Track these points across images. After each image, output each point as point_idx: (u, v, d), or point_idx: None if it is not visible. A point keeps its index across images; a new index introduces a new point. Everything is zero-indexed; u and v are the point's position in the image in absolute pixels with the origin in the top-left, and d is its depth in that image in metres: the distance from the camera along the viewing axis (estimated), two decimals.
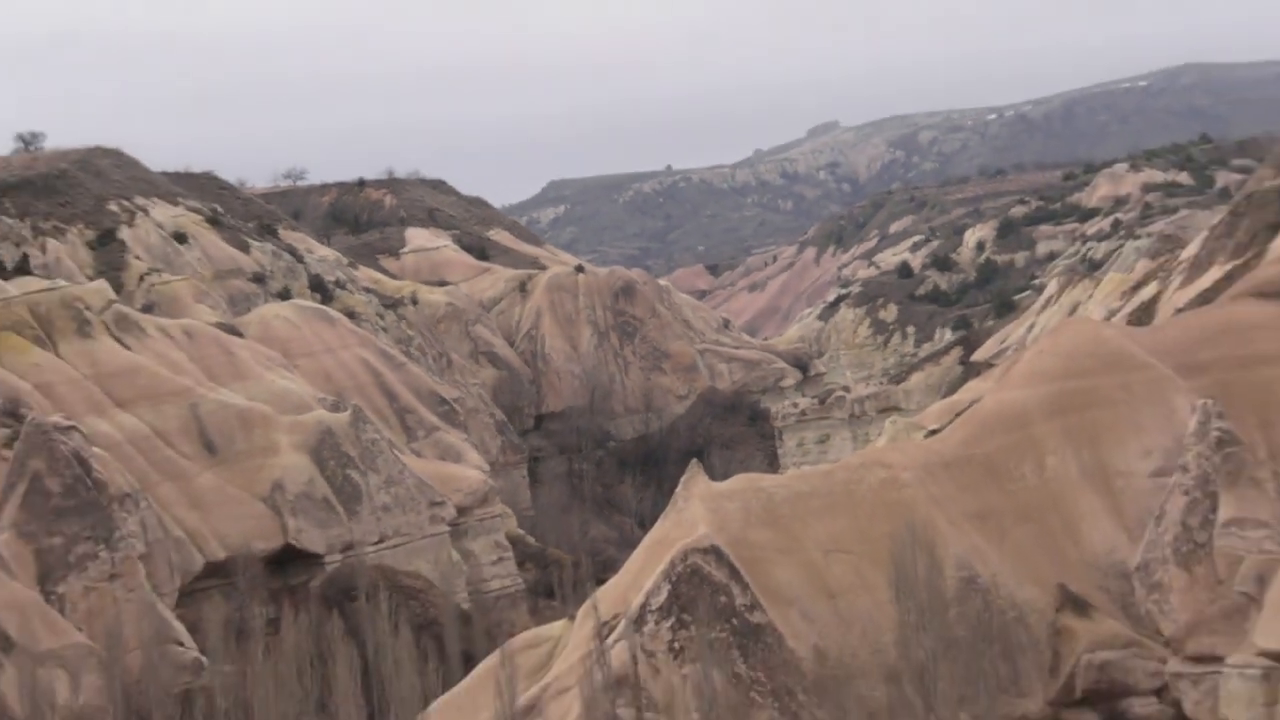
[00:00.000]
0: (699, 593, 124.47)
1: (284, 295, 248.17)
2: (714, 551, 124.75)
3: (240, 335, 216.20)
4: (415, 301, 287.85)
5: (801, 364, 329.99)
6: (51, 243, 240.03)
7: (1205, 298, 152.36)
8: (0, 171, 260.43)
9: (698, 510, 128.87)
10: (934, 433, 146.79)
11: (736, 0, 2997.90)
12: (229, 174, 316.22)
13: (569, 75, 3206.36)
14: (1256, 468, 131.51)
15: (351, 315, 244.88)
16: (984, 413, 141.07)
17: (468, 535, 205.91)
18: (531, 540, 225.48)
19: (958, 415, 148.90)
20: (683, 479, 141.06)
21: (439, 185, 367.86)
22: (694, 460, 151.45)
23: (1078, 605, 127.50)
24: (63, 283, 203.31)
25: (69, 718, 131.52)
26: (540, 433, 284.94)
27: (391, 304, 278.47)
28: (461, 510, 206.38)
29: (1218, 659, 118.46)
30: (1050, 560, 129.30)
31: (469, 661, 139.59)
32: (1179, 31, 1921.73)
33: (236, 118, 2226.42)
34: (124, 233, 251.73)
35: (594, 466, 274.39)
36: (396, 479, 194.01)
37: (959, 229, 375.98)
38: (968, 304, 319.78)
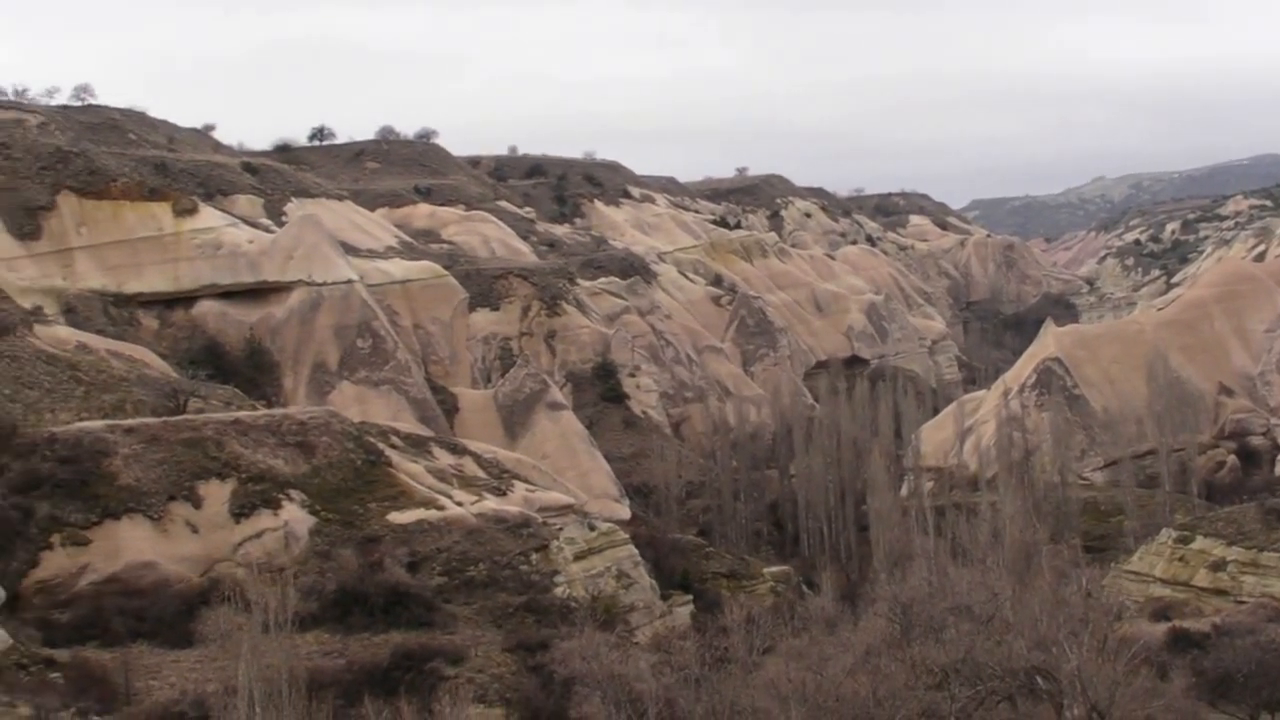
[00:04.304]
0: (1049, 378, 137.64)
1: (854, 242, 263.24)
2: (1056, 359, 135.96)
3: (834, 259, 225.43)
4: (913, 248, 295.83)
5: (1090, 282, 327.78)
6: (751, 217, 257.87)
7: None
8: (723, 185, 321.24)
9: (1049, 340, 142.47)
10: (1160, 310, 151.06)
11: None
12: (837, 188, 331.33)
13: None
14: None
15: (885, 252, 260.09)
16: (1184, 299, 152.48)
17: (936, 353, 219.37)
18: (964, 357, 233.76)
19: (1170, 303, 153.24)
20: (1041, 328, 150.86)
21: (925, 196, 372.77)
22: (1048, 319, 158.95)
23: (1228, 391, 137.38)
24: (756, 232, 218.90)
25: (752, 431, 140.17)
26: (968, 310, 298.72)
27: (903, 248, 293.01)
28: (933, 341, 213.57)
29: None
30: (1215, 369, 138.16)
31: (935, 410, 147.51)
32: None
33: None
34: (783, 212, 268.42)
35: (992, 325, 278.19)
36: (904, 326, 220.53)
37: (1162, 224, 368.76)
38: (1166, 258, 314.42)
